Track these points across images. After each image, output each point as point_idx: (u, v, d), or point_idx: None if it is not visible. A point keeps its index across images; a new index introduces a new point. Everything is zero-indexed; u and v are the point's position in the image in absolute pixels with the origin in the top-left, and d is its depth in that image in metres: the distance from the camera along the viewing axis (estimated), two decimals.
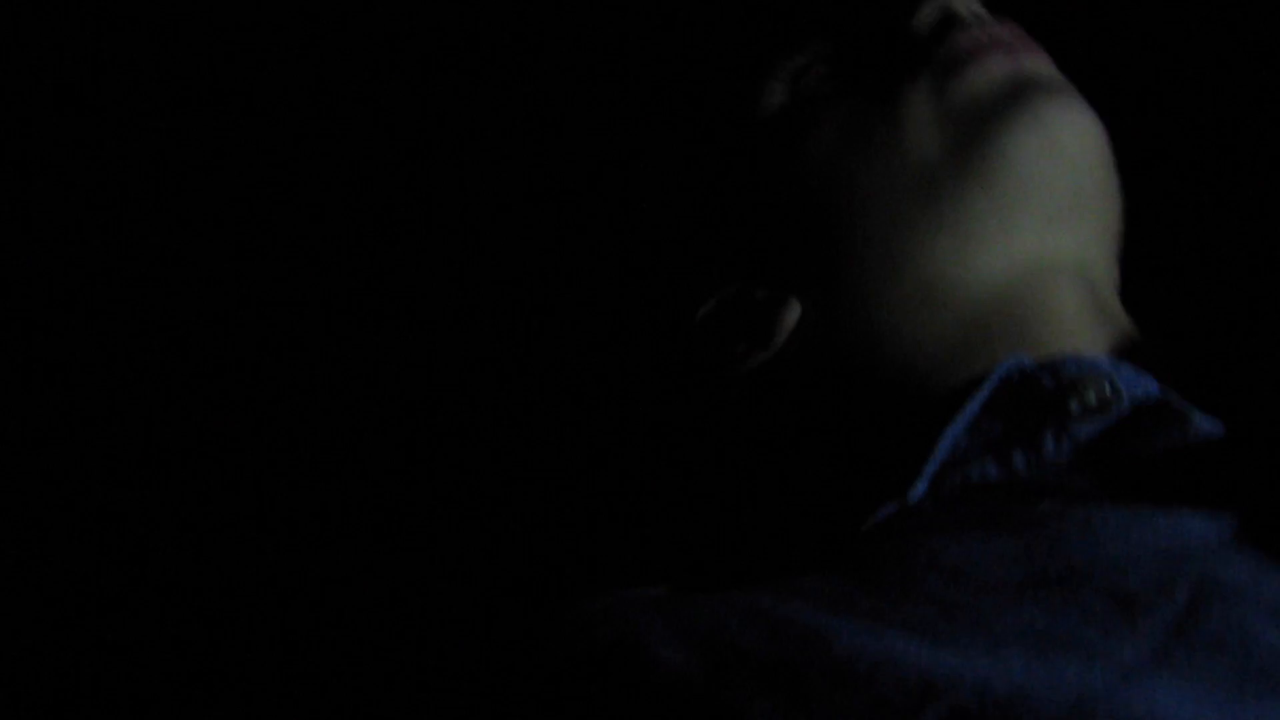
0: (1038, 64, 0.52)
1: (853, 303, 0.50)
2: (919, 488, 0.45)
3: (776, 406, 0.53)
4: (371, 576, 0.69)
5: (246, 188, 0.74)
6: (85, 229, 0.74)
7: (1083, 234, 0.51)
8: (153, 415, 0.72)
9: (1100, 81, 0.53)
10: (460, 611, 0.65)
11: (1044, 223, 0.50)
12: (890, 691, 0.34)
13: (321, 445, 0.71)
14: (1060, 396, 0.46)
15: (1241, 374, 0.52)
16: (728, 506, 0.56)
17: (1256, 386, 0.49)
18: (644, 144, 0.60)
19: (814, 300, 0.51)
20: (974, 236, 0.49)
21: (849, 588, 0.40)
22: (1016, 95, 0.50)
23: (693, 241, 0.56)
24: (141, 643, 0.68)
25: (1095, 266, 0.52)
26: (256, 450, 0.71)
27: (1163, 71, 0.67)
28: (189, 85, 0.75)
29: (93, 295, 0.73)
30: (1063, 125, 0.50)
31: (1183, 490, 0.42)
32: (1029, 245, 0.49)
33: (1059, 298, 0.49)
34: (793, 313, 0.51)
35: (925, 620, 0.37)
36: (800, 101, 0.54)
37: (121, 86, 0.75)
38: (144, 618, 0.69)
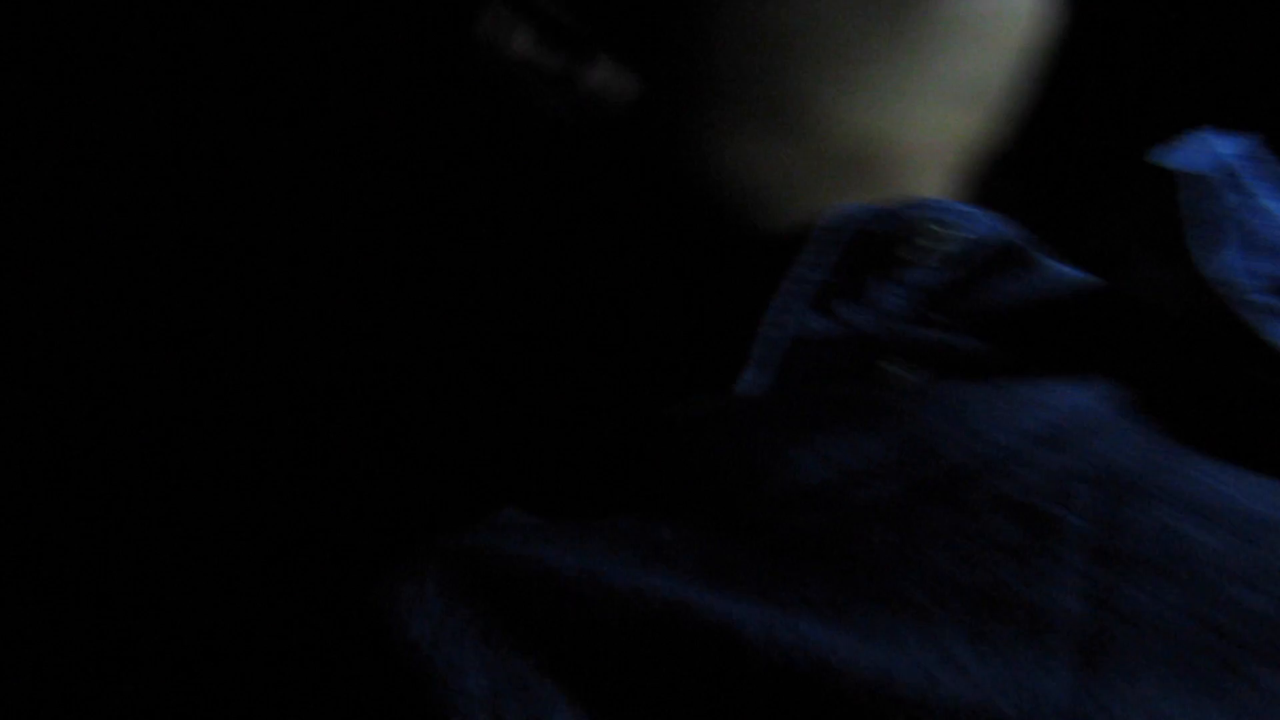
0: None
1: (696, 102, 0.42)
2: (752, 370, 0.38)
3: (566, 209, 0.44)
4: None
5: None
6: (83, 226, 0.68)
7: (983, 119, 0.44)
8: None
9: None
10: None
11: (948, 99, 0.43)
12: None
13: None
14: (893, 239, 0.40)
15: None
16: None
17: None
18: None
19: (651, 85, 0.42)
20: (864, 78, 0.41)
21: (684, 525, 0.33)
22: None
23: None
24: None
25: (981, 149, 0.45)
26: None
27: None
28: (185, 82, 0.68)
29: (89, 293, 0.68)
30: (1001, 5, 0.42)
31: (1042, 352, 0.35)
32: (921, 114, 0.42)
33: (930, 161, 0.43)
34: (627, 91, 0.42)
35: (812, 578, 0.30)
36: None
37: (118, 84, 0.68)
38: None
